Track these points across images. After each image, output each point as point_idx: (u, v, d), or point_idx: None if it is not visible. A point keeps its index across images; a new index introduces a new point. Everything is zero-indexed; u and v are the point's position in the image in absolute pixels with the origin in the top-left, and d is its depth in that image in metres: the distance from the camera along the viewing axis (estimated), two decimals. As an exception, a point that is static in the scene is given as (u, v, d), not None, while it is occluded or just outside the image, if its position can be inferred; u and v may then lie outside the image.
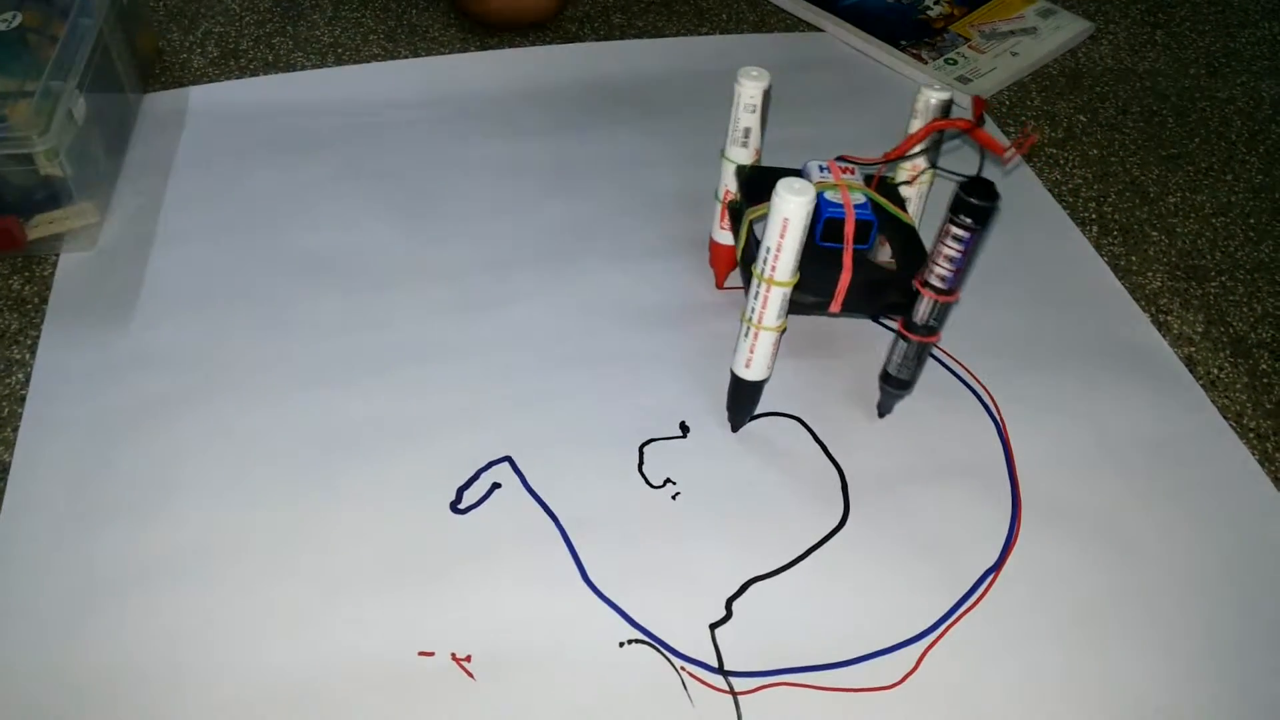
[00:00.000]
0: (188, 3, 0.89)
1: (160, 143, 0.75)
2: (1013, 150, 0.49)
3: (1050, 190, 0.74)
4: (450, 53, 0.84)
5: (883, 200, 0.56)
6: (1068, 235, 0.71)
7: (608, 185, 0.73)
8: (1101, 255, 0.70)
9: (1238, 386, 0.62)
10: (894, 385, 0.57)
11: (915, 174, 0.59)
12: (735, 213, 0.61)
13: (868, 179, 0.57)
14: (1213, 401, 0.61)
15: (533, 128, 0.78)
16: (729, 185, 0.61)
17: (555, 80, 0.82)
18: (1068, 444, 0.58)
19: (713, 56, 0.85)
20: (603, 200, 0.71)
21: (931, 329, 0.54)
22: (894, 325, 0.60)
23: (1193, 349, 0.64)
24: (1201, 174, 0.77)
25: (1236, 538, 0.55)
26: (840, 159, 0.57)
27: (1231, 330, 0.66)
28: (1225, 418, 0.60)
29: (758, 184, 0.58)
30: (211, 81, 0.81)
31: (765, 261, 0.50)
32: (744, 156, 0.60)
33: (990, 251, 0.69)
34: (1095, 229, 0.72)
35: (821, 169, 0.56)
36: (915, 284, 0.53)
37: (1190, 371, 0.63)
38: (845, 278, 0.53)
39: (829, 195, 0.54)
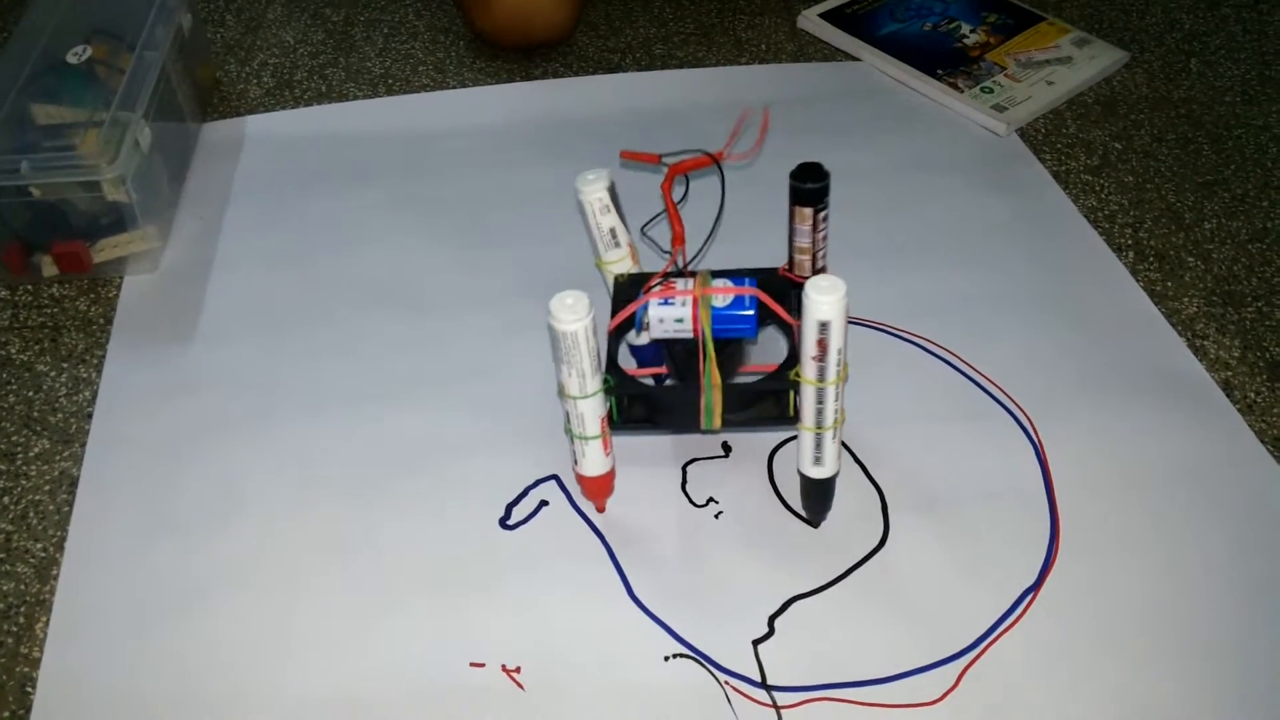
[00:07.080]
0: (244, 35, 0.93)
1: (219, 170, 0.78)
2: (729, 148, 0.55)
3: (1086, 217, 0.75)
4: (498, 83, 0.87)
5: (710, 273, 0.56)
6: (1104, 261, 0.72)
7: (651, 210, 0.74)
8: (1138, 281, 0.71)
9: (1275, 410, 0.63)
10: None
11: (631, 250, 0.60)
12: (633, 418, 0.55)
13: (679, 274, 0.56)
14: (1250, 426, 0.61)
15: (579, 156, 0.79)
16: (597, 413, 0.52)
17: (600, 110, 0.84)
18: (1106, 467, 0.59)
19: (752, 86, 0.87)
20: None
21: None
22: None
23: (1229, 373, 0.65)
24: (1237, 200, 0.78)
25: (1274, 560, 0.55)
26: (652, 285, 0.55)
27: (1268, 355, 0.66)
28: (1262, 442, 0.61)
29: (619, 375, 0.54)
30: (267, 111, 0.84)
31: (837, 365, 0.49)
32: (596, 382, 0.51)
33: (1028, 277, 0.70)
34: (1131, 255, 0.73)
35: (666, 302, 0.54)
36: (796, 280, 0.56)
37: (1227, 396, 0.63)
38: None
39: (716, 302, 0.54)
